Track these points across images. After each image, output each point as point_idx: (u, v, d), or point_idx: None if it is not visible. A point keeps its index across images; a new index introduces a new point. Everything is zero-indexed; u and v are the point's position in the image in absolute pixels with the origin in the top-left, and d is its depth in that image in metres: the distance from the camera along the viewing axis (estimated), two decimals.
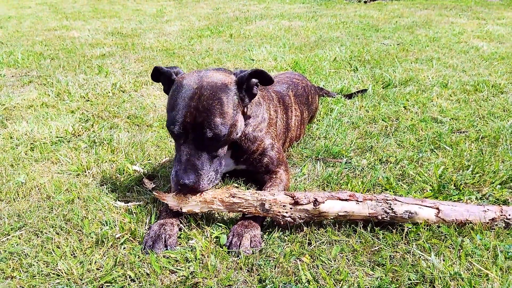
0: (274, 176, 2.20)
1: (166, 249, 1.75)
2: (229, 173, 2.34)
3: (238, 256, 1.71)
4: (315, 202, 1.78)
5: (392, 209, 1.78)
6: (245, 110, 2.05)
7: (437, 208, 1.80)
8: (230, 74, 1.96)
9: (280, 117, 2.48)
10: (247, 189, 2.26)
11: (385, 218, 1.79)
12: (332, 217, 1.82)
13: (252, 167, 2.26)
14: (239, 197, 1.84)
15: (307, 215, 1.81)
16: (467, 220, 1.79)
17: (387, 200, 1.82)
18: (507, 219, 1.80)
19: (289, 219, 1.80)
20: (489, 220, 1.80)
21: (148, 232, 1.84)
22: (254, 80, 1.94)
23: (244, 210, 1.83)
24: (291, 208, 1.80)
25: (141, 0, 12.03)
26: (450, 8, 8.92)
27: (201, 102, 1.78)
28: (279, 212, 1.80)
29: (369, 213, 1.79)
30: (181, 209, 1.86)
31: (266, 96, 2.37)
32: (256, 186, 2.30)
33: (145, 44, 6.10)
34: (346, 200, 1.81)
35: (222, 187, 1.93)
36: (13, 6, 10.73)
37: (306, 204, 1.79)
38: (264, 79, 1.94)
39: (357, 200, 1.81)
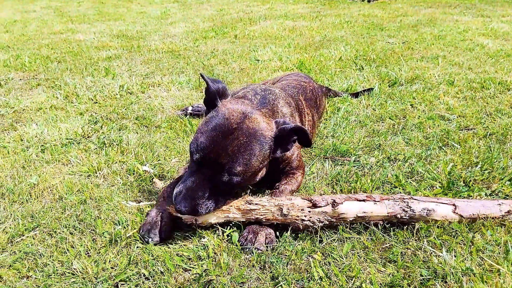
0: (291, 176, 2.20)
1: (162, 237, 1.80)
2: None
3: (251, 253, 1.72)
4: (334, 203, 1.78)
5: (410, 207, 1.79)
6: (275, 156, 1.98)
7: (454, 205, 1.82)
8: (273, 123, 1.89)
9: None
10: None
11: (404, 216, 1.79)
12: (351, 219, 1.81)
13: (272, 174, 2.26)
14: (256, 203, 1.83)
15: (326, 217, 1.79)
16: (484, 214, 1.80)
17: (403, 199, 1.83)
18: None
19: (308, 222, 1.78)
20: (505, 212, 1.82)
21: (145, 218, 1.89)
22: (294, 137, 1.89)
23: (262, 216, 1.81)
24: (309, 212, 1.79)
25: (145, 2, 12.07)
26: (454, 6, 8.90)
27: (232, 146, 1.72)
28: (298, 216, 1.79)
29: (388, 213, 1.79)
30: (196, 220, 1.83)
31: (295, 110, 2.34)
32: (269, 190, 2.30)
33: (150, 46, 6.13)
34: (363, 200, 1.82)
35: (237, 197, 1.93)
36: (18, 10, 10.80)
37: (324, 206, 1.79)
38: (303, 139, 1.89)
39: (374, 200, 1.82)
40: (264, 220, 1.81)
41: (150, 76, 4.56)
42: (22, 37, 7.09)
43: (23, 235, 1.92)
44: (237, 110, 1.84)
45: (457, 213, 1.80)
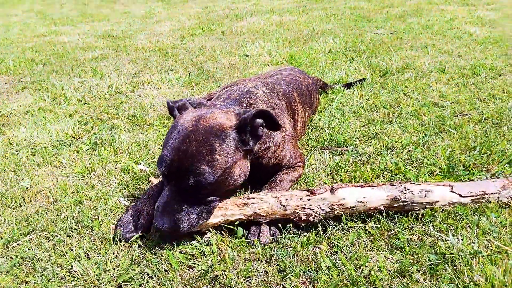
0: (290, 168, 2.17)
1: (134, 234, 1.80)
2: None
3: (257, 246, 1.69)
4: (332, 189, 1.76)
5: (407, 189, 1.77)
6: (253, 150, 1.89)
7: (450, 185, 1.82)
8: (233, 115, 1.82)
9: (292, 124, 2.40)
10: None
11: (403, 199, 1.76)
12: (352, 206, 1.76)
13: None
14: (253, 197, 1.77)
15: (326, 204, 1.75)
16: (480, 191, 1.81)
17: (400, 183, 1.81)
18: None
19: (309, 210, 1.73)
20: (500, 187, 1.82)
21: (123, 215, 1.87)
22: (259, 121, 1.78)
23: (260, 210, 1.74)
24: (308, 200, 1.74)
25: (128, 2, 11.94)
26: None
27: (191, 147, 1.65)
28: (298, 205, 1.73)
29: (387, 196, 1.76)
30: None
31: (280, 113, 2.23)
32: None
33: (137, 45, 6.05)
34: (361, 186, 1.79)
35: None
36: (0, 15, 10.60)
37: (323, 193, 1.75)
38: (270, 121, 1.79)
39: (372, 186, 1.80)
40: (263, 214, 1.74)
41: (138, 75, 4.49)
42: (5, 41, 6.95)
43: (19, 240, 1.86)
44: (192, 115, 1.80)
45: (454, 192, 1.80)
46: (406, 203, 1.78)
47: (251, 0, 10.57)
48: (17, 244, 1.84)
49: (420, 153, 2.38)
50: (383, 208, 1.79)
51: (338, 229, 1.78)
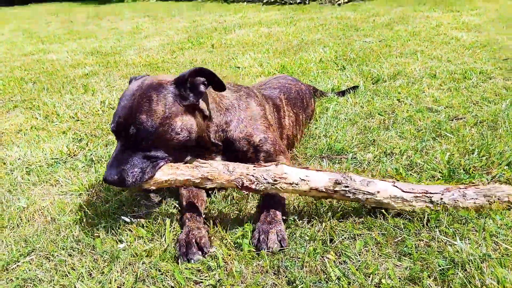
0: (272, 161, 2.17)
1: (203, 253, 1.72)
2: None
3: (269, 250, 1.69)
4: (277, 164, 1.85)
5: (350, 176, 1.83)
6: (200, 107, 1.97)
7: (393, 181, 1.87)
8: (176, 77, 1.93)
9: (270, 112, 2.46)
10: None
11: (345, 184, 1.80)
12: (294, 182, 1.80)
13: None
14: (204, 163, 1.86)
15: (269, 174, 1.81)
16: (423, 190, 1.83)
17: (345, 172, 1.87)
18: (459, 189, 1.84)
19: (252, 177, 1.80)
20: (444, 189, 1.84)
21: (178, 241, 1.82)
22: (200, 79, 1.89)
23: (207, 174, 1.81)
24: (254, 169, 1.83)
25: (115, 19, 11.94)
26: (424, 2, 9.11)
27: (133, 102, 1.81)
28: (242, 172, 1.82)
29: (329, 178, 1.82)
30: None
31: (245, 96, 2.32)
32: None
33: (127, 60, 6.03)
34: (306, 168, 1.88)
35: None
36: None
37: (269, 166, 1.85)
38: (213, 80, 1.90)
39: (316, 170, 1.88)
40: (210, 178, 1.81)
41: None
42: None
43: (19, 261, 1.81)
44: (139, 80, 1.97)
45: (396, 186, 1.84)
46: (348, 188, 1.81)
47: (238, 13, 10.65)
48: (17, 265, 1.79)
49: (420, 158, 2.39)
50: (324, 190, 1.82)
51: (345, 237, 1.77)
